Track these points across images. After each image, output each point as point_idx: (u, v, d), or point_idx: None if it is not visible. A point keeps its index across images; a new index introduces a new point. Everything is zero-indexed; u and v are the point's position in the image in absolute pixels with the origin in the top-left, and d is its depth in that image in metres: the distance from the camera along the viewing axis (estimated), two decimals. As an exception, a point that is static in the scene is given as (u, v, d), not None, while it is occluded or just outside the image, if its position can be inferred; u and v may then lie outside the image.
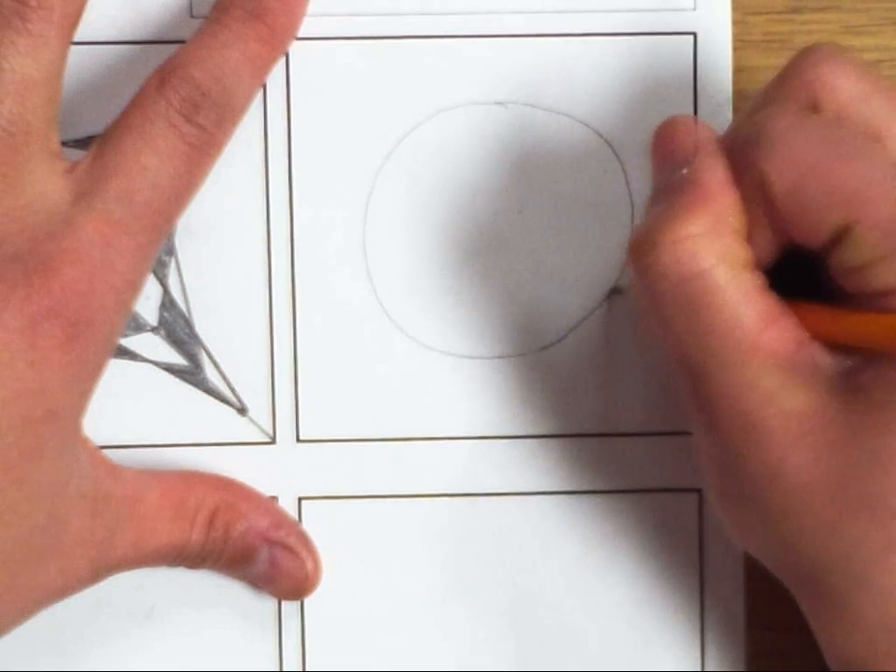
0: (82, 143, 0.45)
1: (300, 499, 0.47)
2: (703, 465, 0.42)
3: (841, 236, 0.38)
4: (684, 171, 0.40)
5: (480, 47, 0.46)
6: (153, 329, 0.46)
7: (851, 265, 0.39)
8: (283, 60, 0.45)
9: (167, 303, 0.46)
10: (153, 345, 0.46)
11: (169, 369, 0.46)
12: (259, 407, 0.46)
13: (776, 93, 0.40)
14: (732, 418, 0.39)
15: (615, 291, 0.46)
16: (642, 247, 0.39)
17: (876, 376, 0.39)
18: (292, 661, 0.47)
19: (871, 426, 0.38)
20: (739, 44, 0.46)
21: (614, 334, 0.46)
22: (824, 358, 0.39)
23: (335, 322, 0.46)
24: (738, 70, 0.46)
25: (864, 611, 0.40)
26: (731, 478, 0.40)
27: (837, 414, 0.39)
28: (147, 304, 0.46)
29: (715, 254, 0.39)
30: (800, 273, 0.41)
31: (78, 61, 0.44)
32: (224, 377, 0.46)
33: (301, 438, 0.46)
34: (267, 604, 0.47)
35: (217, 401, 0.46)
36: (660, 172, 0.41)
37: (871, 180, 0.38)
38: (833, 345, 0.39)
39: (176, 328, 0.46)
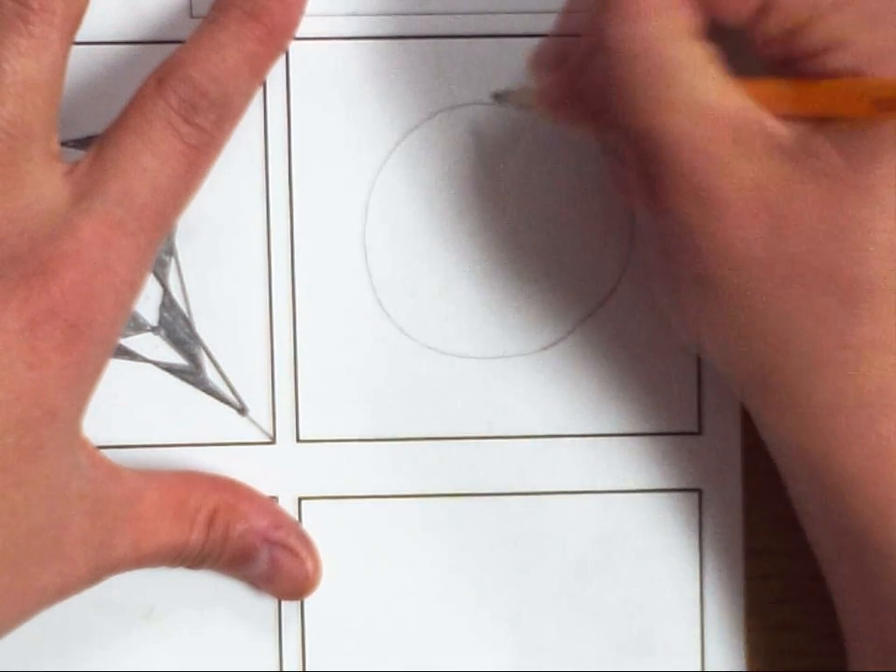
0: (82, 143, 0.45)
1: (300, 499, 0.47)
2: (652, 256, 0.41)
3: (764, 4, 0.38)
4: None
5: (480, 47, 0.46)
6: (153, 329, 0.46)
7: (777, 33, 0.38)
8: (283, 60, 0.45)
9: (167, 303, 0.46)
10: (153, 345, 0.46)
11: (169, 369, 0.46)
12: (259, 407, 0.46)
13: None
14: (688, 192, 0.39)
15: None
16: (594, 23, 0.39)
17: (828, 143, 0.38)
18: (292, 661, 0.47)
19: (824, 192, 0.38)
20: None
21: (614, 334, 0.46)
22: (777, 127, 0.39)
23: (335, 322, 0.46)
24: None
25: (819, 392, 0.40)
26: (683, 260, 0.40)
27: (791, 185, 0.39)
28: (147, 304, 0.46)
29: (668, 24, 0.38)
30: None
31: (78, 61, 0.44)
32: (224, 377, 0.46)
33: (301, 438, 0.46)
34: (267, 604, 0.47)
35: (216, 401, 0.46)
36: None
37: None
38: (784, 117, 0.39)
39: (176, 328, 0.46)
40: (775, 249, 0.39)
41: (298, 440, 0.47)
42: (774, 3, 0.38)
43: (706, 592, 0.47)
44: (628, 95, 0.39)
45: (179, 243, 0.46)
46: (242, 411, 0.46)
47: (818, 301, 0.39)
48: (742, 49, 0.40)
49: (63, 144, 0.43)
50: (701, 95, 0.38)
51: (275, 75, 0.45)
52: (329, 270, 0.46)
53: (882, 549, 0.40)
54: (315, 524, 0.46)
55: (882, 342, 0.39)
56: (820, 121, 0.39)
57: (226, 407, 0.46)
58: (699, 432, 0.47)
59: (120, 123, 0.41)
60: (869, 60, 0.38)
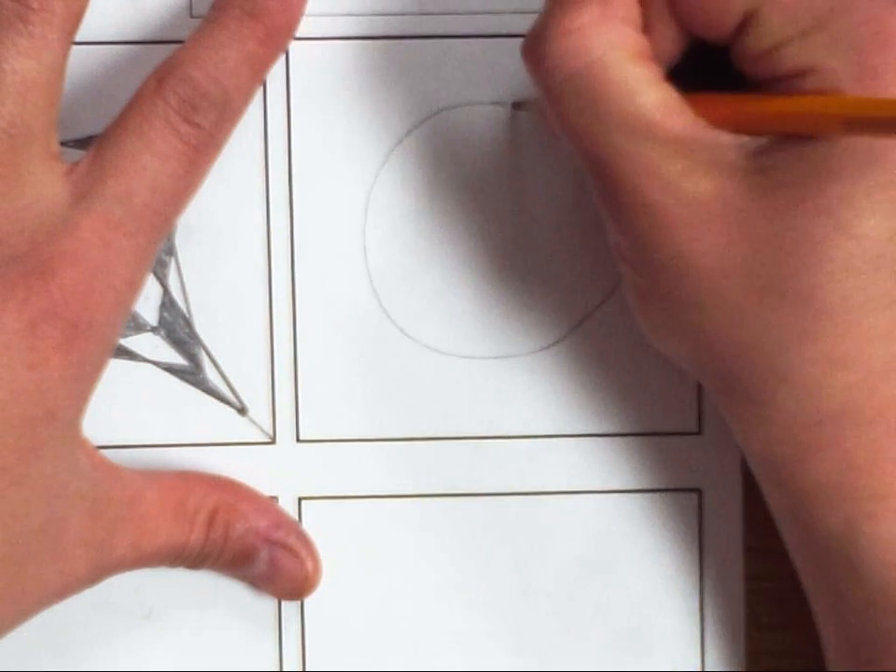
0: (82, 143, 0.45)
1: (300, 499, 0.47)
2: (621, 269, 0.41)
3: (747, 21, 0.38)
4: None
5: (480, 47, 0.46)
6: (153, 329, 0.46)
7: (759, 49, 0.38)
8: (283, 60, 0.45)
9: (167, 303, 0.46)
10: (153, 345, 0.46)
11: (169, 369, 0.46)
12: (259, 407, 0.46)
13: None
14: (637, 209, 0.39)
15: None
16: (532, 44, 0.39)
17: (781, 157, 0.38)
18: (292, 661, 0.47)
19: (777, 207, 0.38)
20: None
21: (613, 335, 0.46)
22: (726, 141, 0.39)
23: (335, 322, 0.46)
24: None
25: (782, 406, 0.40)
26: (643, 274, 0.40)
27: (743, 198, 0.38)
28: (147, 304, 0.46)
29: (604, 43, 0.38)
30: (702, 72, 0.40)
31: (78, 61, 0.44)
32: (224, 377, 0.46)
33: (301, 438, 0.46)
34: (267, 604, 0.47)
35: (216, 401, 0.46)
36: None
37: None
38: (737, 131, 0.39)
39: (176, 328, 0.46)
40: (730, 261, 0.39)
41: (298, 440, 0.47)
42: (751, 22, 0.38)
43: (706, 592, 0.47)
44: (569, 115, 0.39)
45: (179, 243, 0.46)
46: (242, 411, 0.46)
47: (772, 314, 0.39)
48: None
49: (63, 144, 0.43)
50: (642, 113, 0.38)
51: (275, 75, 0.45)
52: (329, 270, 0.46)
53: (850, 559, 0.40)
54: (315, 524, 0.46)
55: (843, 359, 0.39)
56: (775, 137, 0.38)
57: (226, 407, 0.46)
58: (699, 432, 0.47)
59: (120, 123, 0.41)
60: (843, 85, 0.37)
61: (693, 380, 0.46)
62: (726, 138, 0.39)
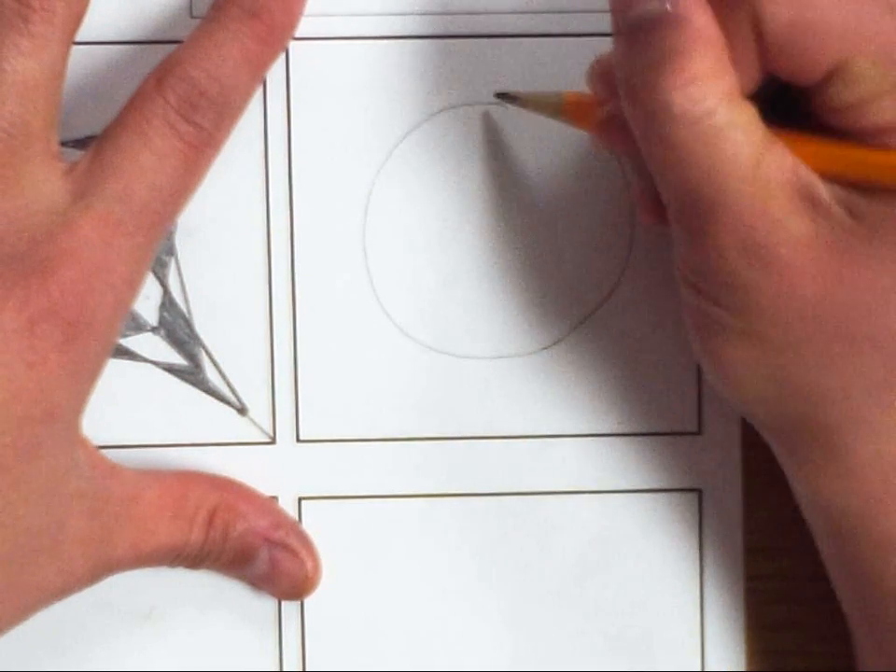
0: (82, 143, 0.45)
1: (300, 499, 0.47)
2: (687, 300, 0.41)
3: (835, 73, 0.38)
4: (666, 4, 0.38)
5: (480, 47, 0.46)
6: (153, 329, 0.46)
7: (846, 102, 0.38)
8: (283, 60, 0.45)
9: (167, 303, 0.46)
10: (153, 345, 0.46)
11: (169, 369, 0.46)
12: (259, 407, 0.46)
13: None
14: (740, 248, 0.39)
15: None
16: (646, 92, 0.39)
17: (872, 207, 0.38)
18: (292, 661, 0.47)
19: (872, 255, 0.38)
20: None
21: (614, 334, 0.46)
22: (822, 187, 0.39)
23: (335, 322, 0.46)
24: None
25: (857, 452, 0.39)
26: (732, 313, 0.40)
27: (840, 242, 0.38)
28: (147, 304, 0.46)
29: (720, 92, 0.38)
30: (777, 105, 0.40)
31: (78, 61, 0.44)
32: (224, 377, 0.46)
33: (301, 438, 0.46)
34: (267, 604, 0.47)
35: (216, 401, 0.46)
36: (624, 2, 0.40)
37: (870, 14, 0.38)
38: (823, 176, 0.39)
39: (176, 328, 0.46)
40: (825, 307, 0.39)
41: (298, 440, 0.47)
42: (842, 73, 0.38)
43: (706, 592, 0.47)
44: (681, 161, 0.39)
45: (179, 243, 0.46)
46: (242, 411, 0.46)
47: (862, 360, 0.39)
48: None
49: (63, 144, 0.43)
50: (755, 155, 0.38)
51: (275, 75, 0.45)
52: (329, 270, 0.46)
53: None
54: (315, 524, 0.46)
55: None
56: (861, 186, 0.38)
57: (226, 407, 0.46)
58: (699, 432, 0.46)
59: (119, 122, 0.41)
60: None
61: (694, 380, 0.46)
62: (821, 185, 0.39)
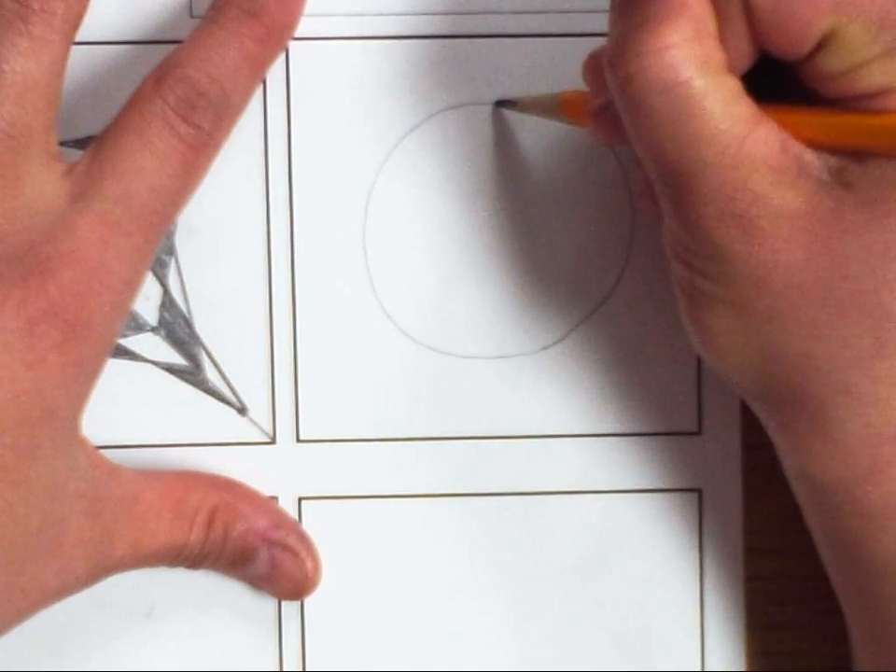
0: (81, 143, 0.45)
1: (300, 499, 0.47)
2: (678, 274, 0.41)
3: (825, 41, 0.38)
4: None
5: (480, 47, 0.46)
6: (153, 329, 0.46)
7: (836, 70, 0.38)
8: (283, 59, 0.45)
9: (167, 303, 0.46)
10: (153, 345, 0.46)
11: (169, 369, 0.46)
12: (258, 407, 0.46)
13: None
14: (724, 218, 0.39)
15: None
16: (622, 57, 0.39)
17: (864, 174, 0.38)
18: (292, 661, 0.47)
19: (861, 222, 0.38)
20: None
21: (614, 334, 0.46)
22: (810, 157, 0.39)
23: (335, 322, 0.46)
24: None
25: (846, 423, 0.39)
26: (719, 284, 0.40)
27: (828, 212, 0.38)
28: (147, 304, 0.46)
29: (696, 62, 0.38)
30: (766, 80, 0.40)
31: (78, 61, 0.44)
32: (224, 377, 0.46)
33: (301, 438, 0.47)
34: (267, 604, 0.47)
35: (216, 401, 0.46)
36: None
37: None
38: (816, 146, 0.39)
39: (176, 328, 0.46)
40: (812, 275, 0.39)
41: (298, 440, 0.47)
42: (832, 41, 0.38)
43: (706, 592, 0.47)
44: (656, 129, 0.38)
45: (179, 243, 0.46)
46: (242, 411, 0.46)
47: (850, 328, 0.39)
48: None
49: (63, 144, 0.43)
50: (734, 127, 0.38)
51: (275, 75, 0.45)
52: (328, 270, 0.46)
53: None
54: (315, 524, 0.46)
55: None
56: (855, 153, 0.38)
57: (226, 407, 0.46)
58: (699, 432, 0.46)
59: (119, 123, 0.41)
60: None
61: (694, 380, 0.46)
62: (809, 156, 0.39)
